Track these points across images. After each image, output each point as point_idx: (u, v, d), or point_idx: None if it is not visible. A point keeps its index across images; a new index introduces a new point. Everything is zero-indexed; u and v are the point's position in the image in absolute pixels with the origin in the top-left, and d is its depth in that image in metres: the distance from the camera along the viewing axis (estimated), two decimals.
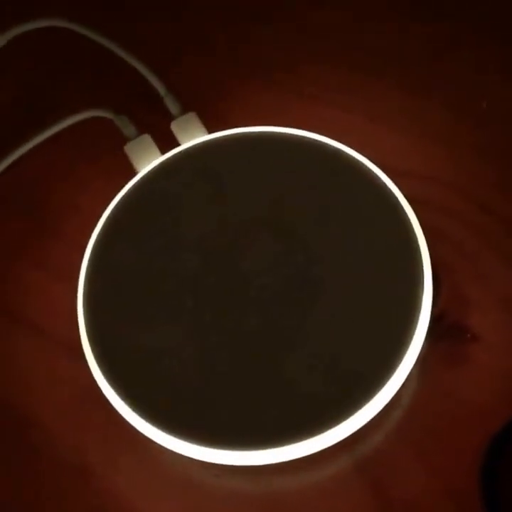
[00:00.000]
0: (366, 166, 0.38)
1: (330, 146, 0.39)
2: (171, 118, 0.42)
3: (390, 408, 0.34)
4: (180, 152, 0.40)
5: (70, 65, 0.47)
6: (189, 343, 0.36)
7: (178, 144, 0.41)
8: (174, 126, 0.42)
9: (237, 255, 0.37)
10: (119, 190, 0.40)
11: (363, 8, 0.47)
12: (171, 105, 0.42)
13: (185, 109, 0.42)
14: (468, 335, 0.37)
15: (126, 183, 0.40)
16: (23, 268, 0.42)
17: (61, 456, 0.37)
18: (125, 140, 0.42)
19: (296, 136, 0.40)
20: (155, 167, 0.40)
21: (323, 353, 0.35)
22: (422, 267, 0.36)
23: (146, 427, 0.34)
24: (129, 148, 0.41)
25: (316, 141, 0.39)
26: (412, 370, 0.34)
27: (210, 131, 0.42)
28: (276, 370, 0.35)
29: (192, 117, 0.42)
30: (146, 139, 0.41)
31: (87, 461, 0.37)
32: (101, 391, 0.35)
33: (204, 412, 0.34)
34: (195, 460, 0.34)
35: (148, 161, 0.40)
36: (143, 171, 0.40)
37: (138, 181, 0.39)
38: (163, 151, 0.41)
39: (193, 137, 0.41)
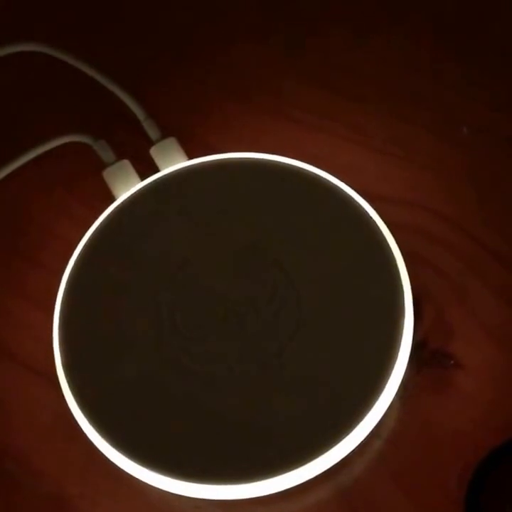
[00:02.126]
0: (346, 192, 0.38)
1: (310, 172, 0.39)
2: (150, 143, 0.42)
3: (371, 438, 0.34)
4: (159, 178, 0.40)
5: (49, 89, 0.47)
6: (166, 374, 0.35)
7: (158, 170, 0.41)
8: (153, 152, 0.42)
9: (216, 283, 0.37)
10: (98, 216, 0.39)
11: (347, 32, 0.47)
12: (150, 130, 0.42)
13: (164, 134, 0.42)
14: (452, 362, 0.37)
15: (105, 208, 0.39)
16: (0, 295, 0.41)
17: (39, 487, 0.37)
18: (104, 165, 0.41)
19: (278, 162, 0.40)
20: (133, 194, 0.39)
21: (303, 383, 0.34)
22: (403, 293, 0.36)
23: (122, 460, 0.34)
24: (107, 174, 0.41)
25: (298, 167, 0.39)
26: (393, 398, 0.34)
27: (190, 157, 0.41)
28: (255, 402, 0.34)
29: (171, 143, 0.42)
30: (125, 164, 0.41)
31: (66, 493, 0.36)
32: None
33: (181, 446, 0.34)
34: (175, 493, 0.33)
35: (127, 188, 0.40)
36: (121, 198, 0.39)
37: (116, 208, 0.39)
38: (142, 177, 0.41)
39: (172, 163, 0.41)
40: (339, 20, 0.48)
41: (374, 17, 0.48)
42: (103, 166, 0.41)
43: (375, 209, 0.38)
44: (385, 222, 0.37)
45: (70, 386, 0.35)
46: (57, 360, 0.36)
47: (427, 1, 0.48)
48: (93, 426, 0.34)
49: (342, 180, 0.39)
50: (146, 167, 0.41)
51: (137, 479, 0.34)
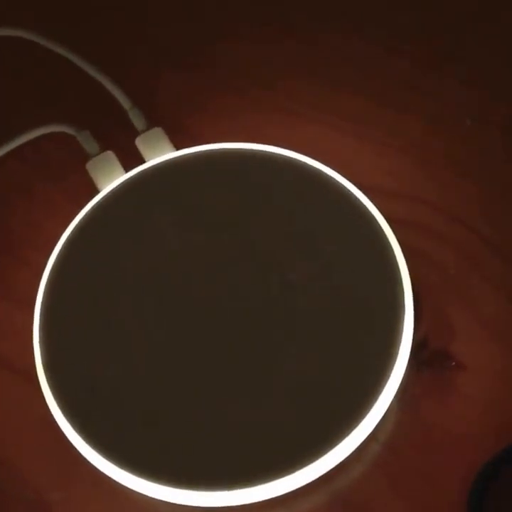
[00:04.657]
0: (344, 186, 0.37)
1: (306, 164, 0.38)
2: (136, 133, 0.41)
3: (369, 441, 0.34)
4: (145, 170, 0.39)
5: (30, 77, 0.46)
6: (152, 375, 0.34)
7: (143, 161, 0.40)
8: (139, 142, 0.41)
9: (205, 281, 0.36)
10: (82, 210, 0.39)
11: (343, 22, 0.47)
12: (136, 120, 0.41)
13: (151, 124, 0.41)
14: (453, 363, 0.36)
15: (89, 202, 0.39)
16: None
17: (20, 492, 0.36)
18: (88, 157, 0.40)
19: (271, 153, 0.39)
20: (118, 186, 0.39)
21: (299, 385, 0.34)
22: (403, 290, 0.35)
23: (106, 464, 0.33)
24: (90, 166, 0.40)
25: (292, 159, 0.38)
26: (392, 401, 0.33)
27: (177, 148, 0.41)
28: (249, 405, 0.33)
29: (158, 133, 0.41)
30: (109, 155, 0.40)
31: (47, 498, 0.36)
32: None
33: (170, 450, 0.33)
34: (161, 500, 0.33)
35: (111, 179, 0.39)
36: (105, 190, 0.39)
37: (99, 201, 0.38)
38: (127, 169, 0.40)
39: (159, 154, 0.40)
40: (337, 13, 0.47)
41: (372, 10, 0.47)
42: (87, 157, 0.40)
43: (374, 203, 0.37)
44: (385, 217, 0.37)
45: (50, 387, 0.34)
46: (37, 360, 0.35)
47: None
48: (75, 428, 0.33)
49: (340, 173, 0.38)
50: (131, 158, 0.40)
51: (122, 485, 0.33)
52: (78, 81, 0.42)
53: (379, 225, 0.36)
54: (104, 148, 0.41)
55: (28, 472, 0.36)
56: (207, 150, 0.39)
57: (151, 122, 0.41)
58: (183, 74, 0.46)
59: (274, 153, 0.38)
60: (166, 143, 0.41)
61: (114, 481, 0.33)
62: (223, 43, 0.46)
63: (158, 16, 0.48)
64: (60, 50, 0.42)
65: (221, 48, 0.46)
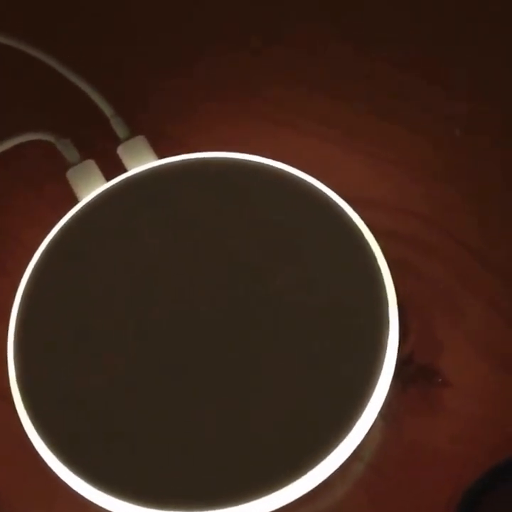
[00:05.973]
0: (329, 197, 0.37)
1: (291, 174, 0.38)
2: (118, 142, 0.41)
3: (352, 460, 0.33)
4: (126, 179, 0.38)
5: (9, 83, 0.45)
6: (134, 391, 0.34)
7: (125, 170, 0.39)
8: (121, 151, 0.40)
9: (185, 293, 0.35)
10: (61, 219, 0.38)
11: (332, 28, 0.46)
12: (118, 128, 0.41)
13: (133, 133, 0.41)
14: (439, 379, 0.36)
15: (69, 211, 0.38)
16: None
17: None
18: (68, 165, 0.40)
19: (254, 163, 0.38)
20: (98, 195, 0.38)
21: (279, 403, 0.33)
22: (387, 303, 0.34)
23: (83, 486, 0.32)
24: (71, 175, 0.40)
25: (276, 168, 0.38)
26: (376, 418, 0.33)
27: (160, 157, 0.40)
28: (229, 423, 0.33)
29: (140, 141, 0.40)
30: (90, 164, 0.40)
31: None
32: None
33: (146, 470, 0.32)
34: None
35: (92, 189, 0.39)
36: (85, 199, 0.38)
37: (79, 211, 0.38)
38: (108, 178, 0.39)
39: (141, 163, 0.39)
40: (327, 18, 0.47)
41: (364, 15, 0.47)
42: (67, 166, 0.40)
43: (358, 213, 0.36)
44: (370, 228, 0.36)
45: (24, 404, 0.33)
46: (11, 376, 0.34)
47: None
48: (50, 448, 0.32)
49: (325, 183, 0.37)
50: (113, 167, 0.40)
51: (99, 506, 0.32)
52: (60, 88, 0.41)
53: (363, 235, 0.36)
54: (85, 156, 0.40)
55: (3, 492, 0.35)
56: (190, 159, 0.39)
57: (134, 130, 0.41)
58: (166, 82, 0.45)
59: (257, 162, 0.38)
60: (149, 152, 0.40)
61: (91, 502, 0.32)
62: (207, 51, 0.46)
63: (143, 24, 0.48)
64: (41, 56, 0.41)
65: (205, 56, 0.46)
